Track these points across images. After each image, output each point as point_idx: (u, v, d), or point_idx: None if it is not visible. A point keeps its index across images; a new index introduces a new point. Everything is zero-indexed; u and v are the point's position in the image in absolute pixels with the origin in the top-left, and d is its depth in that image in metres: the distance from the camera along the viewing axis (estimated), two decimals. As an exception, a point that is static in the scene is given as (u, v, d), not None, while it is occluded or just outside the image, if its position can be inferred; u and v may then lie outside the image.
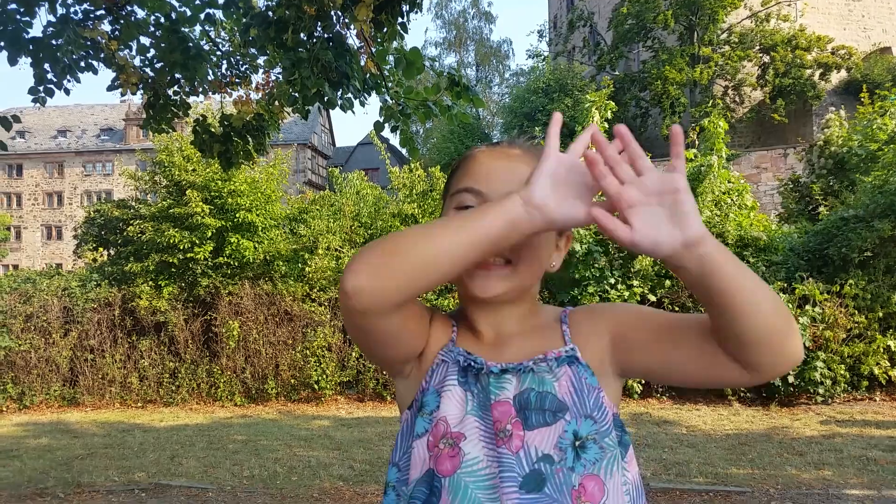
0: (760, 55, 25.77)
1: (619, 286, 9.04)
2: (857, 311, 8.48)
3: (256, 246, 10.75)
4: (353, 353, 9.79)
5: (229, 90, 4.35)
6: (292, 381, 9.90)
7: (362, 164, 38.26)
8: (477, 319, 1.03)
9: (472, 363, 0.95)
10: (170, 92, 4.08)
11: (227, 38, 4.42)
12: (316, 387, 9.74)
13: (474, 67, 50.64)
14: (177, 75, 3.88)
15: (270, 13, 3.29)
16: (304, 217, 11.45)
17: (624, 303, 1.01)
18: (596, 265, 9.09)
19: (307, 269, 10.21)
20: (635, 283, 9.11)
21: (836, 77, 26.24)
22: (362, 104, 3.90)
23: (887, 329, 8.52)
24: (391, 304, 0.85)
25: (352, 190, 12.43)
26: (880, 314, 8.49)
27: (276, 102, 4.32)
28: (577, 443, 0.90)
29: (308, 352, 9.82)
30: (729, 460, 5.88)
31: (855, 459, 5.72)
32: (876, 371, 8.25)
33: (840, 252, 8.78)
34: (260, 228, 10.93)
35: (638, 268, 9.39)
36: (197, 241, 10.37)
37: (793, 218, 12.01)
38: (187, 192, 10.41)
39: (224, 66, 4.30)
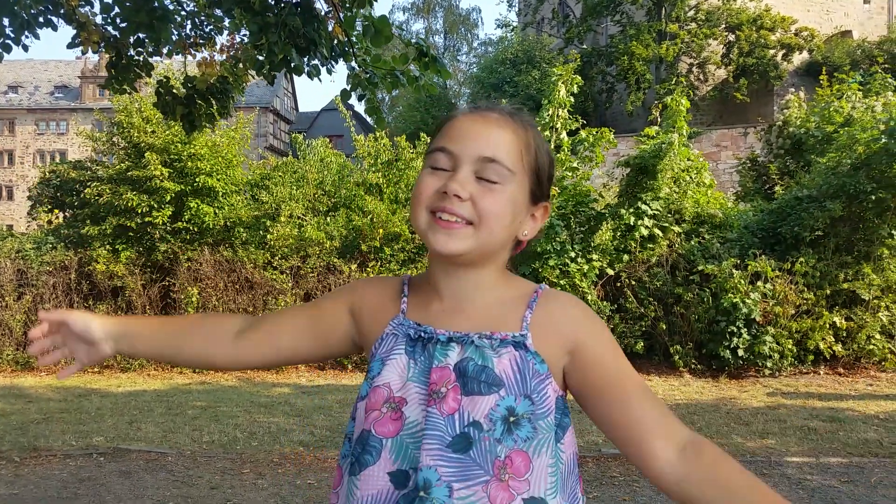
0: (726, 34, 26.05)
1: (579, 260, 9.19)
2: (806, 289, 8.78)
3: (217, 211, 10.61)
4: (315, 321, 9.79)
5: (193, 51, 4.27)
6: (253, 348, 9.88)
7: (326, 130, 37.72)
8: (439, 280, 1.05)
9: (422, 333, 1.00)
10: (132, 52, 3.99)
11: (192, -3, 4.33)
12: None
13: (442, 35, 50.16)
14: (141, 35, 3.79)
15: (238, -24, 3.24)
16: (265, 183, 11.32)
17: (612, 342, 1.02)
18: (557, 239, 9.21)
19: (269, 236, 10.14)
20: (595, 256, 9.26)
21: (798, 58, 26.70)
22: (329, 72, 3.87)
23: (834, 306, 8.85)
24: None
25: (315, 157, 12.32)
26: (828, 291, 8.81)
27: (241, 65, 4.26)
28: (512, 419, 0.93)
29: (269, 319, 9.79)
30: (679, 429, 6.09)
31: (797, 429, 5.98)
32: (821, 346, 8.58)
33: (792, 231, 9.06)
34: (220, 194, 10.78)
35: (598, 242, 9.55)
36: (155, 205, 10.20)
37: (749, 196, 12.29)
38: (146, 154, 10.20)
39: (188, 27, 4.21)
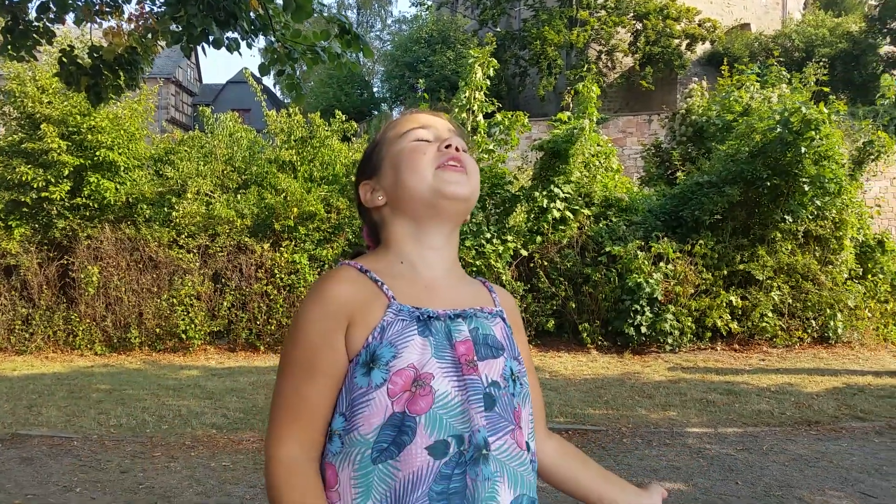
0: (634, 22, 26.81)
1: (494, 241, 9.35)
2: (704, 269, 9.28)
3: (118, 187, 10.10)
4: (224, 303, 9.54)
5: (99, 19, 4.02)
6: (157, 330, 9.52)
7: (232, 103, 36.37)
8: (416, 261, 1.11)
9: (428, 315, 1.04)
10: (31, 17, 3.72)
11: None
12: (183, 336, 9.43)
13: (355, 10, 49.26)
14: (44, 0, 3.52)
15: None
16: (171, 158, 10.84)
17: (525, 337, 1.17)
18: (473, 220, 9.33)
19: (174, 213, 9.75)
20: (509, 238, 9.45)
21: (701, 48, 27.83)
22: (249, 46, 3.75)
23: (730, 286, 9.41)
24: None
25: (224, 132, 11.89)
26: (725, 272, 9.35)
27: (151, 36, 4.05)
28: (513, 377, 1.07)
29: (175, 300, 9.45)
30: (587, 402, 6.35)
31: (696, 402, 6.36)
32: (719, 323, 9.12)
33: (693, 214, 9.54)
34: (122, 168, 10.26)
35: (512, 224, 9.75)
36: (52, 180, 9.61)
37: (653, 181, 12.82)
38: (42, 126, 9.57)
39: (94, -8, 3.96)
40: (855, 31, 26.19)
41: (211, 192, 10.30)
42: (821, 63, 16.10)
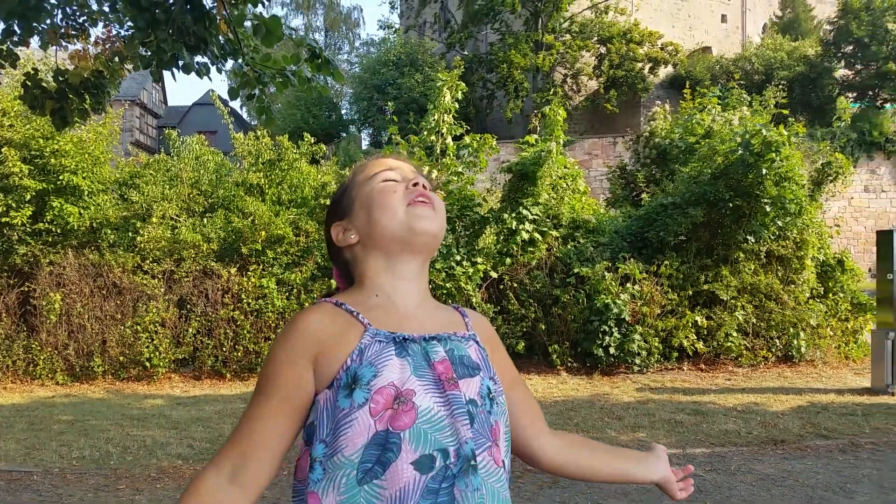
0: (598, 46, 27.38)
1: (464, 263, 9.37)
2: (670, 290, 9.41)
3: (82, 212, 9.91)
4: (190, 329, 9.37)
5: (65, 42, 3.96)
6: (121, 358, 9.30)
7: (198, 125, 36.07)
8: (391, 293, 1.15)
9: (404, 337, 1.07)
10: (-5, 41, 3.65)
11: (64, -15, 4.01)
12: (147, 364, 9.23)
13: (323, 32, 49.43)
14: (8, 24, 3.46)
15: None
16: (135, 182, 10.67)
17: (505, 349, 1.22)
18: (443, 243, 9.33)
19: (139, 238, 9.59)
20: (479, 260, 9.48)
21: (664, 72, 28.51)
22: (219, 70, 3.73)
23: (695, 306, 9.54)
24: None
25: (190, 155, 11.76)
26: (690, 292, 9.48)
27: (118, 59, 4.01)
28: (490, 395, 1.10)
29: (139, 327, 9.26)
30: (557, 425, 6.36)
31: (665, 422, 6.41)
32: (685, 343, 9.22)
33: (658, 235, 9.68)
34: (86, 192, 10.07)
35: (482, 246, 9.78)
36: (13, 205, 9.39)
37: (619, 203, 13.00)
38: (3, 149, 9.36)
39: (59, 17, 3.90)
40: (812, 54, 27.07)
41: (177, 215, 10.16)
42: (779, 86, 16.57)
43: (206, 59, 3.44)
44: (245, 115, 40.83)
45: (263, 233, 9.66)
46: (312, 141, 11.48)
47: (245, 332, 9.34)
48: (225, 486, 1.01)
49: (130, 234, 9.78)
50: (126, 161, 11.81)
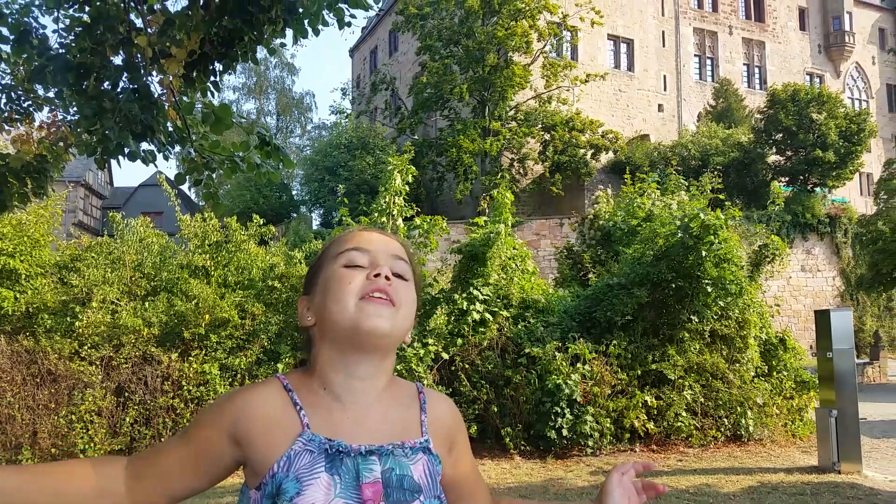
0: (542, 133, 28.41)
1: (415, 344, 9.28)
2: (620, 369, 9.47)
3: (18, 296, 9.53)
4: (127, 418, 8.94)
5: (7, 126, 3.90)
6: (53, 450, 8.77)
7: (144, 206, 35.67)
8: (339, 388, 1.08)
9: (339, 448, 1.01)
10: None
11: (9, 70, 3.97)
12: (81, 456, 8.72)
13: (275, 116, 50.07)
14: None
15: (71, 56, 3.04)
16: (76, 265, 10.37)
17: (468, 439, 1.18)
18: (392, 324, 9.26)
19: (78, 323, 9.23)
20: (430, 341, 9.41)
21: (605, 157, 29.66)
22: (166, 158, 3.71)
23: (644, 385, 9.60)
24: None
25: (134, 237, 11.54)
26: (639, 372, 9.56)
27: (62, 144, 3.97)
28: None
29: (74, 416, 8.79)
30: (513, 514, 6.18)
31: (619, 506, 6.30)
32: (636, 424, 9.22)
33: (606, 315, 9.81)
34: (23, 276, 9.72)
35: (433, 326, 9.73)
36: (-59, 288, 8.99)
37: (567, 283, 13.19)
38: (-67, 231, 9.04)
39: (2, 101, 3.85)
40: (745, 141, 28.59)
41: (118, 299, 9.86)
42: (715, 171, 17.41)
43: (152, 147, 3.43)
44: (193, 196, 40.55)
45: (207, 316, 9.43)
46: (261, 222, 11.42)
47: (185, 420, 8.95)
48: (121, 479, 1.03)
49: (69, 318, 9.42)
50: (67, 243, 11.50)
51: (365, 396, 1.09)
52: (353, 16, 3.22)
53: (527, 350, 9.42)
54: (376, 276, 1.07)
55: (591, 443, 8.97)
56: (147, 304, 9.85)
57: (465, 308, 9.66)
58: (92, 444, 8.73)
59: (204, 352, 9.34)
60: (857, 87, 42.40)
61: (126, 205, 38.45)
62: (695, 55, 37.33)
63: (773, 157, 29.27)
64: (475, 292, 9.80)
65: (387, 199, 10.39)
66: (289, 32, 3.17)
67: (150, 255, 10.85)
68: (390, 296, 1.07)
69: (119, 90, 3.09)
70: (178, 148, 3.81)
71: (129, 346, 9.18)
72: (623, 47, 34.93)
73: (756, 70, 39.20)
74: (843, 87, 40.49)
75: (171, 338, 9.52)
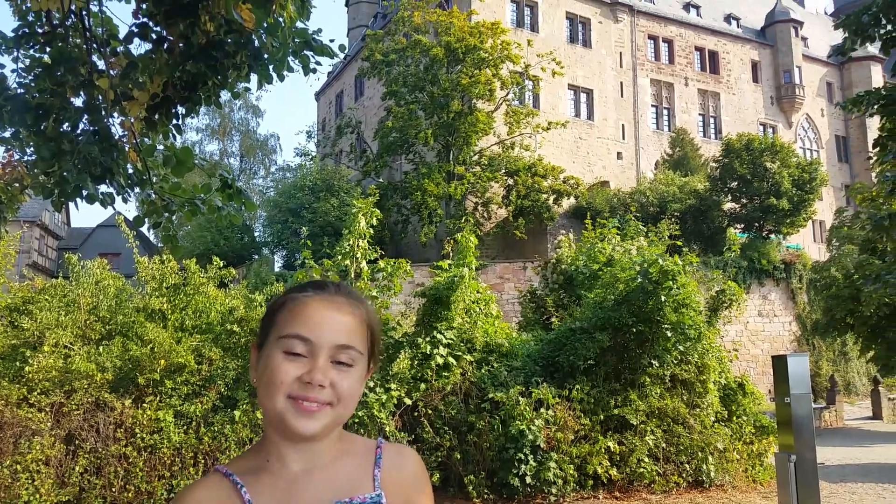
0: (506, 178, 28.82)
1: (377, 390, 9.15)
2: (582, 414, 9.45)
3: (-36, 340, 9.18)
4: (77, 468, 8.58)
5: (-41, 167, 3.81)
6: (-6, 501, 8.36)
7: (101, 247, 34.96)
8: (286, 454, 1.09)
9: None
10: None
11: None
12: (26, 508, 8.31)
13: (238, 157, 49.85)
14: None
15: (30, 97, 3.00)
16: (28, 308, 10.04)
17: (432, 496, 1.15)
18: (354, 368, 9.13)
19: (28, 368, 8.90)
20: (393, 386, 9.29)
21: (567, 202, 30.15)
22: (125, 200, 3.66)
23: (607, 430, 9.59)
24: None
25: (90, 279, 11.26)
26: (601, 417, 9.55)
27: (17, 184, 3.88)
28: None
29: (19, 466, 8.40)
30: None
31: (583, 555, 6.23)
32: (599, 470, 9.17)
33: (569, 360, 9.84)
34: (-29, 319, 9.39)
35: (396, 370, 9.63)
36: None
37: (530, 326, 13.22)
38: None
39: (-47, 141, 3.76)
40: (701, 189, 29.35)
41: (71, 343, 9.56)
42: (673, 218, 17.80)
43: (111, 189, 3.37)
44: (152, 237, 39.88)
45: (163, 361, 9.18)
46: (221, 264, 11.26)
47: (137, 469, 8.63)
48: None
49: (18, 363, 9.08)
50: (20, 285, 11.16)
51: (313, 458, 1.09)
52: (318, 63, 3.27)
53: (490, 395, 9.36)
54: (309, 382, 1.05)
55: (554, 490, 8.88)
56: (101, 348, 9.56)
57: (428, 352, 9.59)
58: (38, 496, 8.34)
59: (158, 398, 9.07)
60: (808, 138, 44.10)
61: (83, 246, 37.59)
62: (652, 105, 38.51)
63: (728, 205, 30.09)
64: (439, 336, 9.75)
65: (350, 242, 10.35)
66: (254, 77, 3.18)
67: (105, 297, 10.58)
68: (323, 401, 1.06)
69: (79, 132, 3.05)
70: (137, 190, 3.75)
71: (82, 392, 8.87)
72: (583, 97, 35.88)
73: (711, 120, 40.54)
74: (795, 138, 42.09)
75: (125, 383, 9.24)
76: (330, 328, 1.09)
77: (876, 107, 7.24)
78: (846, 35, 7.80)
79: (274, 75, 3.18)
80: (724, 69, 41.13)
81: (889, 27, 7.36)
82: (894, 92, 7.12)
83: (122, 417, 8.85)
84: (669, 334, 9.66)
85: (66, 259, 11.47)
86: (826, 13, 53.86)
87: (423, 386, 9.46)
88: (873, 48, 7.67)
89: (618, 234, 12.77)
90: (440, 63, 27.26)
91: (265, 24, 2.89)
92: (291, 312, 1.11)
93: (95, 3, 3.12)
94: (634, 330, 9.76)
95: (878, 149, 7.04)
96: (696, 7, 41.47)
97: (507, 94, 29.16)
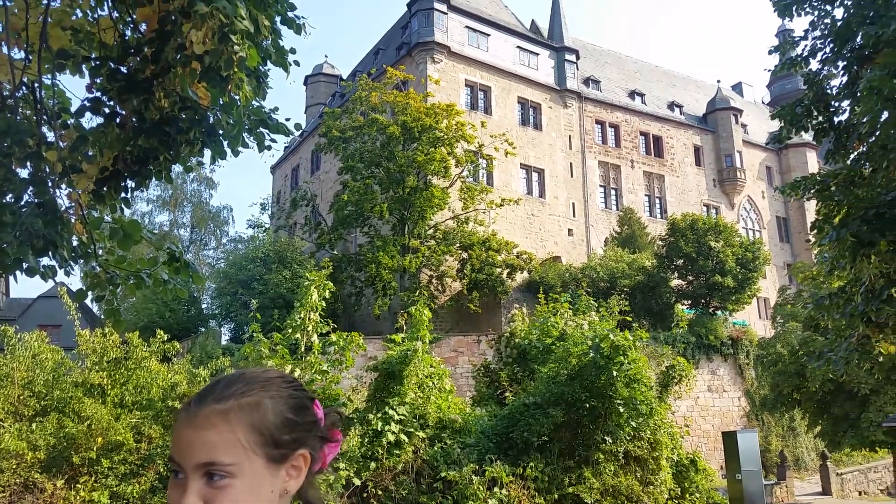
0: (460, 251, 29.08)
1: (324, 470, 8.85)
2: (537, 493, 9.29)
3: None
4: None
5: None
6: None
7: (42, 319, 33.70)
8: None
9: None
10: None
11: None
12: None
13: (189, 229, 49.18)
14: None
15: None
16: (-42, 383, 9.54)
17: None
18: (303, 447, 8.85)
19: (-48, 446, 8.38)
20: (342, 465, 9.01)
21: (520, 277, 30.49)
22: (67, 273, 3.55)
23: (561, 510, 9.43)
24: None
25: (27, 352, 10.78)
26: (556, 496, 9.40)
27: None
28: None
29: (-66, 555, 7.79)
30: None
31: None
32: (554, 553, 8.96)
33: (523, 436, 9.73)
34: None
35: (345, 449, 9.35)
36: None
37: (484, 401, 13.09)
38: None
39: None
40: (649, 266, 30.05)
41: (1, 420, 9.06)
42: (622, 294, 18.12)
43: (53, 262, 3.28)
44: (95, 309, 38.62)
45: (100, 439, 8.76)
46: (165, 338, 10.95)
47: (66, 558, 8.08)
48: None
49: (-61, 442, 8.54)
50: (-51, 360, 10.61)
51: None
52: (273, 140, 3.30)
53: (443, 474, 9.14)
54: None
55: (507, 574, 8.61)
56: (35, 425, 9.08)
57: (379, 429, 9.37)
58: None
59: (94, 478, 8.60)
60: (750, 219, 45.91)
61: (22, 317, 36.12)
62: (600, 185, 39.79)
63: (675, 282, 30.82)
64: (391, 412, 9.56)
65: (302, 315, 10.20)
66: (207, 152, 3.18)
67: (42, 371, 10.14)
68: None
69: (22, 203, 2.98)
70: (81, 262, 3.66)
71: (10, 473, 8.35)
72: (535, 175, 36.90)
73: (657, 200, 41.98)
74: (738, 218, 43.78)
75: (59, 462, 8.74)
76: (190, 448, 1.04)
77: (812, 191, 7.61)
78: (782, 125, 8.27)
79: (228, 151, 3.19)
80: (668, 153, 42.95)
81: (820, 118, 7.83)
82: (828, 178, 7.51)
83: (54, 499, 8.33)
84: (622, 409, 9.67)
85: (2, 331, 11.00)
86: (763, 102, 57.11)
87: (373, 465, 9.20)
88: (808, 136, 8.19)
89: (570, 308, 12.91)
90: (396, 140, 27.81)
91: (221, 102, 2.91)
92: (177, 423, 1.10)
93: (48, 76, 3.11)
94: (588, 405, 9.75)
95: (815, 231, 7.37)
96: (641, 95, 43.61)
97: (462, 171, 29.80)
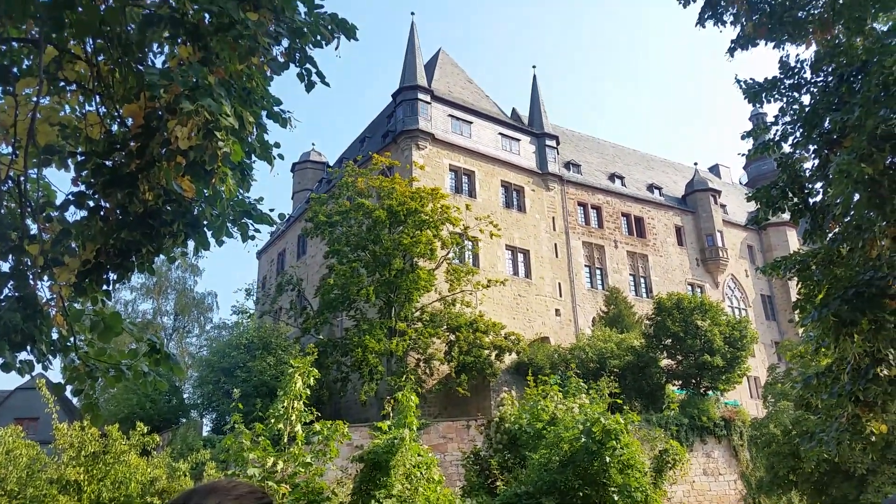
0: (448, 334, 28.87)
1: (308, 567, 8.45)
2: (531, 589, 8.88)
3: None
4: None
5: None
6: None
7: (19, 412, 32.81)
8: None
9: None
10: None
11: None
12: None
13: (172, 316, 48.68)
14: None
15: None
16: (-74, 480, 9.16)
17: None
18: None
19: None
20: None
21: (509, 358, 30.20)
22: (45, 368, 3.48)
23: None
24: None
25: (1, 449, 10.42)
26: (550, 591, 9.00)
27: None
28: None
29: None
30: None
31: None
32: None
33: (515, 529, 9.40)
34: None
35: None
36: None
37: (475, 492, 12.72)
38: None
39: None
40: (637, 345, 29.94)
41: (-32, 521, 8.65)
42: (612, 375, 17.95)
43: (31, 357, 3.21)
44: (75, 400, 37.64)
45: (74, 540, 8.36)
46: (145, 430, 10.65)
47: None
48: None
49: None
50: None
51: None
52: (257, 230, 3.32)
53: (432, 571, 8.75)
54: None
55: None
56: (2, 526, 8.68)
57: (365, 523, 9.02)
58: None
59: (63, 584, 8.14)
60: (735, 297, 46.21)
61: (0, 408, 35.11)
62: (585, 265, 40.12)
63: (665, 361, 30.63)
64: (377, 505, 9.23)
65: (286, 404, 9.97)
66: (191, 243, 3.19)
67: (16, 468, 9.77)
68: None
69: (2, 298, 2.95)
70: (60, 355, 3.59)
71: (-28, 580, 7.91)
72: (520, 256, 37.20)
73: (642, 279, 42.28)
74: (723, 297, 44.05)
75: (26, 567, 8.30)
76: None
77: (793, 271, 7.71)
78: (758, 206, 8.45)
79: (212, 241, 3.20)
80: (651, 233, 43.61)
81: (795, 199, 8.02)
82: (808, 257, 7.63)
83: None
84: (616, 498, 9.40)
85: (-24, 427, 10.66)
86: (741, 183, 58.56)
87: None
88: (787, 216, 8.39)
89: (560, 391, 12.75)
90: (382, 224, 28.07)
91: (205, 194, 2.95)
92: None
93: (34, 171, 3.15)
94: (581, 493, 9.48)
95: (798, 311, 7.42)
96: (621, 178, 44.69)
97: (448, 253, 29.99)
